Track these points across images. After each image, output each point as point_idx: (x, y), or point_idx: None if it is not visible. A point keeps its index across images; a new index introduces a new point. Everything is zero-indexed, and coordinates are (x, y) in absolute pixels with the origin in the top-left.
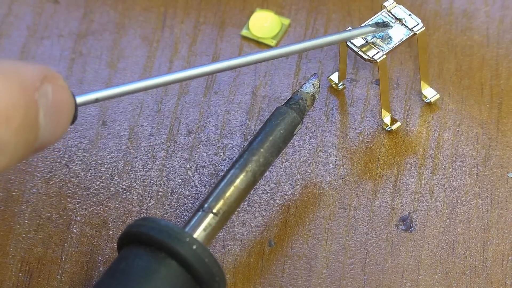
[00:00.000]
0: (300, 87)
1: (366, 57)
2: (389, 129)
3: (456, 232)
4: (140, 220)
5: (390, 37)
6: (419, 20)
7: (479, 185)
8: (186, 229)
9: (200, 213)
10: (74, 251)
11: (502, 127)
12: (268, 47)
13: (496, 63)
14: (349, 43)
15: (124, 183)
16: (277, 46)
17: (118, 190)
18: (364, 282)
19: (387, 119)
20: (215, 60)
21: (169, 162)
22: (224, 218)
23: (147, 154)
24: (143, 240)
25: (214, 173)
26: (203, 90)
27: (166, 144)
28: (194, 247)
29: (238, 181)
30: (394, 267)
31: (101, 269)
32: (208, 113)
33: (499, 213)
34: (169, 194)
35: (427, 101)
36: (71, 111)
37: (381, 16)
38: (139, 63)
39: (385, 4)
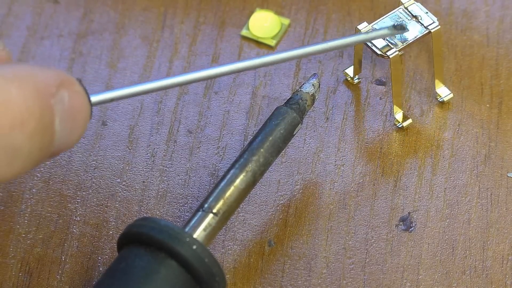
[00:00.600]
0: (300, 87)
1: (379, 52)
2: (400, 126)
3: (456, 232)
4: (140, 220)
5: (405, 34)
6: (435, 19)
7: (479, 185)
8: (186, 229)
9: (200, 213)
10: (74, 251)
11: (502, 127)
12: (268, 47)
13: (496, 63)
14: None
15: (124, 183)
16: (277, 46)
17: (118, 190)
18: (364, 282)
19: (399, 116)
20: (215, 59)
21: (169, 162)
22: (224, 218)
23: (147, 154)
24: (143, 240)
25: (214, 173)
26: (203, 90)
27: (166, 144)
28: (194, 247)
29: (238, 181)
30: (394, 267)
31: (101, 269)
32: (208, 113)
33: (499, 213)
34: (169, 194)
35: (440, 100)
36: (87, 116)
37: (397, 13)
38: (139, 63)
39: (403, 0)
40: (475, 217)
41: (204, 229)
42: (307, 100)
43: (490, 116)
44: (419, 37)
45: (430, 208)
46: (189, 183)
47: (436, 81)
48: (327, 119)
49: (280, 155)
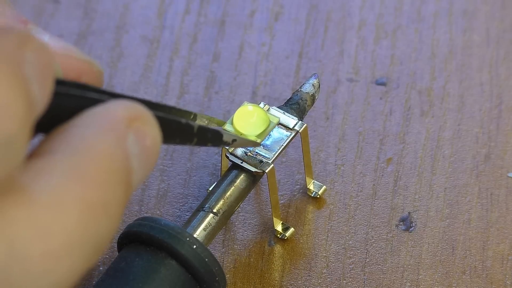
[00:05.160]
0: (300, 87)
1: (253, 170)
2: (281, 237)
3: (456, 232)
4: (140, 220)
5: (271, 142)
6: (295, 118)
7: (479, 185)
8: (187, 229)
9: (200, 212)
10: None
11: (502, 127)
12: (254, 143)
13: (496, 63)
14: (229, 156)
15: None
16: (260, 143)
17: None
18: (364, 282)
19: (279, 227)
20: (216, 59)
21: (170, 162)
22: (224, 217)
23: None
24: (143, 240)
25: (214, 173)
26: (203, 89)
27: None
28: (195, 246)
29: (238, 180)
30: (394, 267)
31: (101, 268)
32: (209, 113)
33: (499, 213)
34: (169, 193)
35: (314, 195)
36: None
37: None
38: (140, 63)
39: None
40: (475, 217)
41: (204, 229)
42: (307, 100)
43: (490, 116)
44: (290, 141)
45: (430, 208)
46: (189, 182)
47: (307, 179)
48: (327, 118)
49: (281, 155)
